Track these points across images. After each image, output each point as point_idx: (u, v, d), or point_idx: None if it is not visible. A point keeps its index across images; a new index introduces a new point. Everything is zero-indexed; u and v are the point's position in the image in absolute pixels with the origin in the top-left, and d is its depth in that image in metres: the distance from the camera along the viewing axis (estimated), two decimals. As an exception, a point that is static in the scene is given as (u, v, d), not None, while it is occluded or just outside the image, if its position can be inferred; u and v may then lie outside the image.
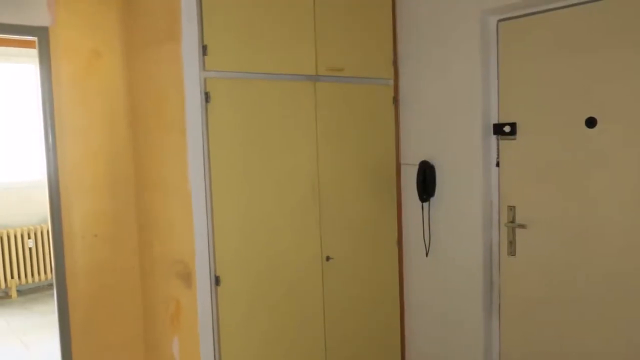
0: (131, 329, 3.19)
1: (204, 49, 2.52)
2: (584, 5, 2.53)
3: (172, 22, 2.57)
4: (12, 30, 2.85)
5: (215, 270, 2.60)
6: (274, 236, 2.77)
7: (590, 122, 2.54)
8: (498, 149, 2.89)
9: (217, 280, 2.60)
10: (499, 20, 2.83)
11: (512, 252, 2.86)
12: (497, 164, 2.90)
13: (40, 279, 5.84)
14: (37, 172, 5.72)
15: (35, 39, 2.90)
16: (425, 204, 3.15)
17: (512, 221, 2.84)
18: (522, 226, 2.81)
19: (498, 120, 2.88)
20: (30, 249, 5.74)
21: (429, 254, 3.18)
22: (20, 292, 5.82)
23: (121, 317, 3.15)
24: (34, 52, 2.94)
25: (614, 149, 2.47)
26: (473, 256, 2.96)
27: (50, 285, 5.81)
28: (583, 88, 2.55)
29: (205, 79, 2.55)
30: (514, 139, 2.81)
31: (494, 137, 2.90)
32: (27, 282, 5.75)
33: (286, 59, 2.78)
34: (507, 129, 2.81)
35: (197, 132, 2.54)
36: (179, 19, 2.51)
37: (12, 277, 5.66)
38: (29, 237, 5.74)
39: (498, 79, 2.86)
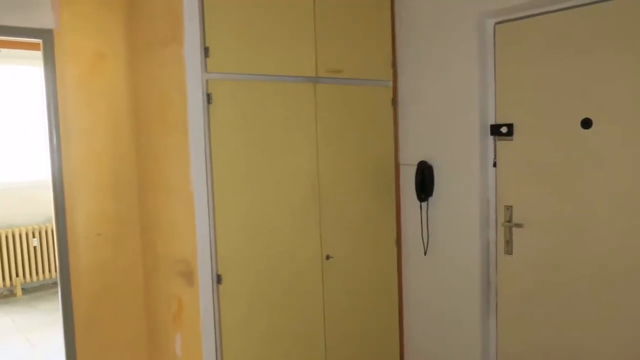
0: (134, 326, 3.23)
1: (206, 51, 2.56)
2: (578, 9, 2.56)
3: (175, 24, 2.60)
4: (17, 32, 2.89)
5: (217, 269, 2.64)
6: (275, 235, 2.81)
7: (586, 123, 2.57)
8: (495, 149, 2.92)
9: (218, 279, 2.64)
10: (496, 23, 2.86)
11: (509, 251, 2.90)
12: (494, 164, 2.94)
13: (44, 278, 5.91)
14: (42, 172, 5.77)
15: (39, 41, 2.94)
16: (424, 204, 3.19)
17: (509, 220, 2.88)
18: (518, 225, 2.84)
19: (495, 121, 2.91)
20: (35, 247, 5.81)
21: (427, 253, 3.22)
22: (25, 291, 5.88)
23: (124, 315, 3.19)
24: (39, 55, 2.99)
25: (609, 150, 2.50)
26: (471, 255, 3.00)
27: (55, 283, 5.87)
28: (578, 89, 2.58)
29: (207, 81, 2.58)
30: (511, 139, 2.84)
31: (491, 138, 2.93)
32: (31, 280, 5.82)
33: (286, 61, 2.81)
34: (504, 129, 2.85)
35: (199, 133, 2.57)
36: (181, 22, 2.55)
37: (17, 275, 5.72)
38: (34, 236, 5.80)
39: (495, 80, 2.90)
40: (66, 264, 3.02)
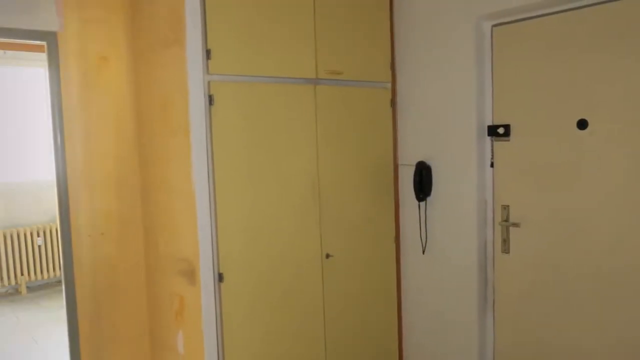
0: (137, 324, 3.27)
1: (208, 53, 2.60)
2: (574, 11, 2.59)
3: (177, 27, 2.64)
4: (22, 35, 2.93)
5: (218, 268, 2.68)
6: (276, 234, 2.85)
7: (582, 124, 2.60)
8: (492, 150, 2.96)
9: (220, 277, 2.68)
10: (493, 26, 2.90)
11: (506, 249, 2.94)
12: (492, 165, 2.97)
13: (49, 276, 5.97)
14: (46, 172, 5.83)
15: (44, 43, 2.98)
16: (422, 203, 3.22)
17: (506, 220, 2.92)
18: (515, 225, 2.88)
19: (492, 122, 2.95)
20: (39, 246, 5.87)
21: (425, 252, 3.26)
22: (29, 289, 5.94)
23: (127, 313, 3.24)
24: (43, 57, 3.04)
25: (604, 150, 2.54)
26: (468, 254, 3.04)
27: (59, 281, 5.93)
28: (574, 90, 2.61)
29: (208, 82, 2.62)
30: (508, 140, 2.88)
31: (488, 139, 2.97)
32: (36, 278, 5.88)
33: (287, 63, 2.85)
34: (501, 130, 2.89)
35: (201, 134, 2.61)
36: (183, 24, 2.59)
37: (22, 274, 5.78)
38: (38, 236, 5.86)
39: (492, 82, 2.93)
40: (70, 262, 3.06)
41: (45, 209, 5.96)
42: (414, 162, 3.21)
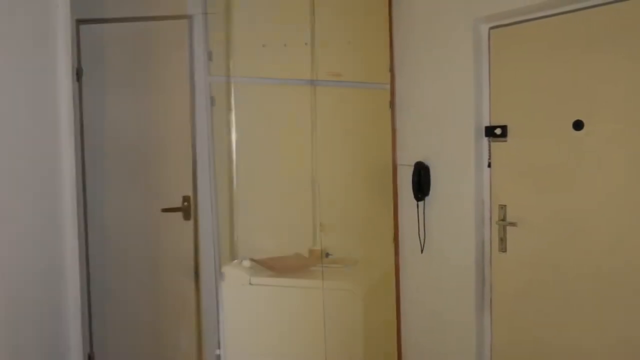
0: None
1: (209, 55, 2.64)
2: (570, 14, 2.63)
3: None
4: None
5: (219, 266, 2.71)
6: (276, 233, 2.88)
7: (578, 125, 2.64)
8: (490, 150, 2.99)
9: (222, 276, 2.71)
10: (491, 28, 2.94)
11: (503, 249, 2.97)
12: (489, 165, 3.01)
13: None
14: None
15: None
16: (420, 203, 3.25)
17: (503, 219, 2.95)
18: (512, 224, 2.91)
19: (490, 123, 2.98)
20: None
21: (423, 251, 3.29)
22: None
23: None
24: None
25: (600, 150, 2.57)
26: (466, 253, 3.06)
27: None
28: (571, 92, 2.65)
29: (210, 84, 2.66)
30: (505, 140, 2.92)
31: (485, 139, 3.01)
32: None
33: (287, 65, 2.89)
34: (498, 131, 2.93)
35: (203, 135, 2.65)
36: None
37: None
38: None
39: (489, 83, 2.97)
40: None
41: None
42: (413, 163, 3.24)
